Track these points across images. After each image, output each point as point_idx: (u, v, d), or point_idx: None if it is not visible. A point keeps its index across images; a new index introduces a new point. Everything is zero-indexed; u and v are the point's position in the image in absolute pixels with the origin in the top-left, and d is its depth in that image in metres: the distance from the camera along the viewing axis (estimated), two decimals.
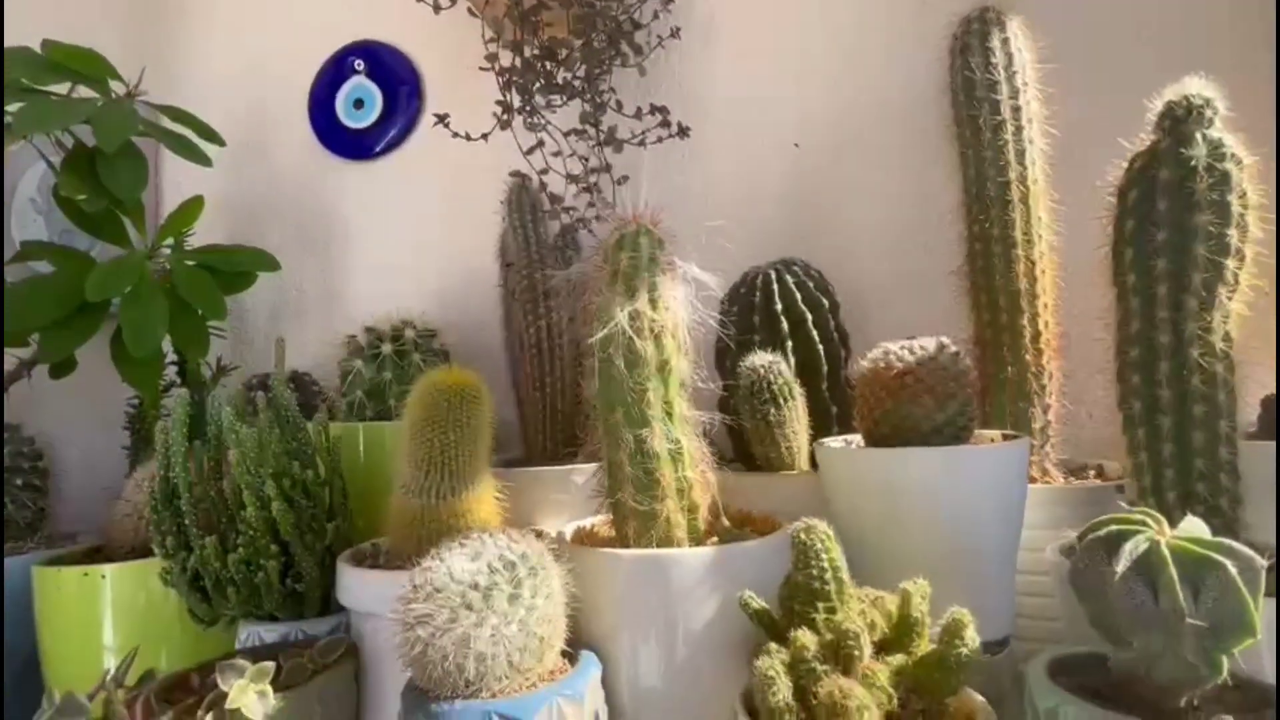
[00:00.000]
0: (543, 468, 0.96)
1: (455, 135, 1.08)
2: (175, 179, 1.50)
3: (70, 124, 1.00)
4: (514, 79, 1.05)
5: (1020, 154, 0.85)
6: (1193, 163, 0.59)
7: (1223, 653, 0.42)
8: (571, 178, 1.07)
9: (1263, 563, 0.42)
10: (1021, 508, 0.71)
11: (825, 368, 0.92)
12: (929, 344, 0.72)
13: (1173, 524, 0.46)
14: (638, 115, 1.08)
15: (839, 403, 0.92)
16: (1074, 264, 0.85)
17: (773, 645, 0.51)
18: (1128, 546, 0.44)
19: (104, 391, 1.24)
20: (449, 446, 0.71)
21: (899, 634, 0.52)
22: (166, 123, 1.12)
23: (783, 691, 0.47)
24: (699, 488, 0.66)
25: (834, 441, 0.80)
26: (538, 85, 1.06)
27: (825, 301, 0.94)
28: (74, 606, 0.87)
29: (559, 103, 1.08)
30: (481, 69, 1.06)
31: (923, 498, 0.67)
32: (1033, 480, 0.83)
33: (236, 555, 0.76)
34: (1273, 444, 0.67)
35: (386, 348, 1.07)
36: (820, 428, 0.89)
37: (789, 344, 0.90)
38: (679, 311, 0.63)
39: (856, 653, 0.49)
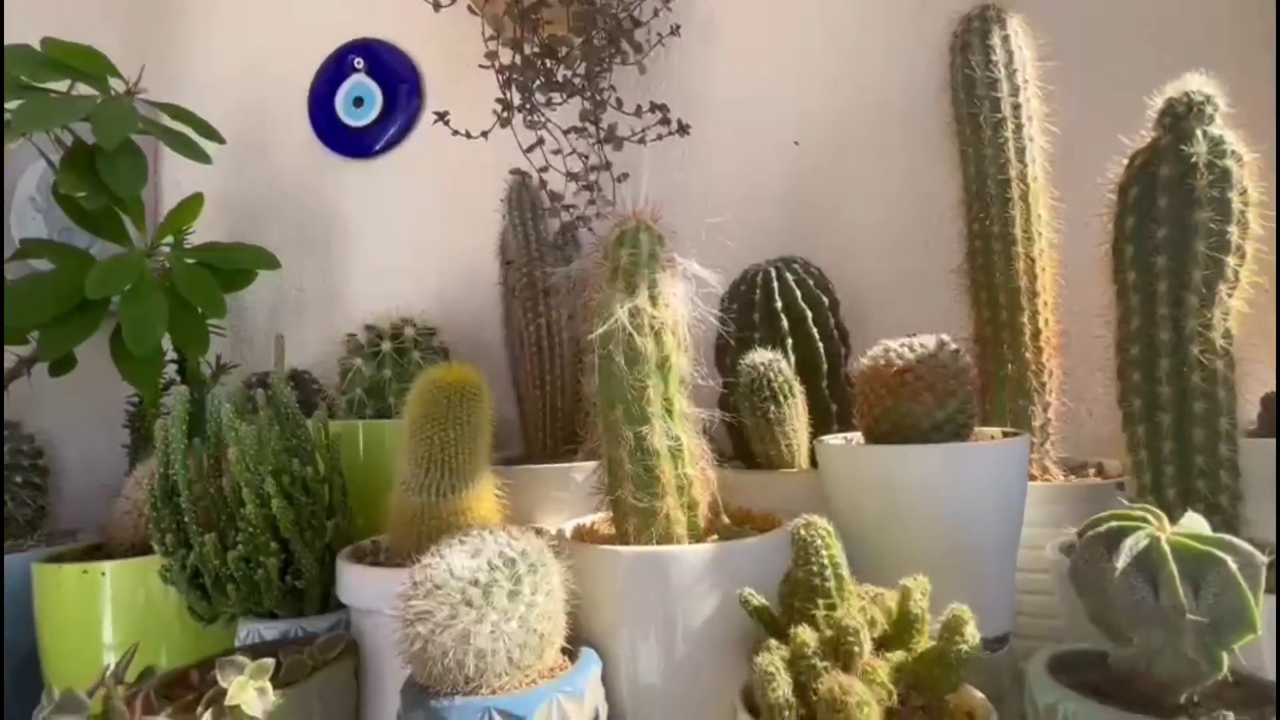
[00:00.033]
0: (543, 465, 0.96)
1: (455, 133, 1.08)
2: (175, 177, 1.50)
3: (70, 121, 1.00)
4: (514, 76, 1.05)
5: (1020, 151, 0.85)
6: (1193, 159, 0.59)
7: (1223, 649, 0.42)
8: (571, 175, 1.07)
9: (1263, 559, 0.42)
10: (1021, 505, 0.71)
11: (825, 366, 0.92)
12: (929, 341, 0.72)
13: (1173, 521, 0.46)
14: (637, 113, 1.08)
15: (839, 401, 0.92)
16: (1074, 262, 0.85)
17: (773, 642, 0.51)
18: (1128, 542, 0.44)
19: (104, 390, 1.24)
20: (449, 444, 0.71)
21: (899, 630, 0.52)
22: (166, 120, 1.12)
23: (783, 688, 0.47)
24: (699, 485, 0.66)
25: (834, 439, 0.80)
26: (538, 83, 1.06)
27: (825, 299, 0.94)
28: (74, 604, 0.87)
29: (559, 100, 1.08)
30: (481, 67, 1.06)
31: (923, 495, 0.67)
32: (1032, 478, 0.83)
33: (236, 552, 0.76)
34: (1273, 441, 0.67)
35: (386, 345, 1.07)
36: (820, 426, 0.89)
37: (789, 342, 0.90)
38: (679, 308, 0.63)
39: (856, 649, 0.49)
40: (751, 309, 0.93)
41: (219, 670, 0.59)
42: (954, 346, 0.72)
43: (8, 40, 1.04)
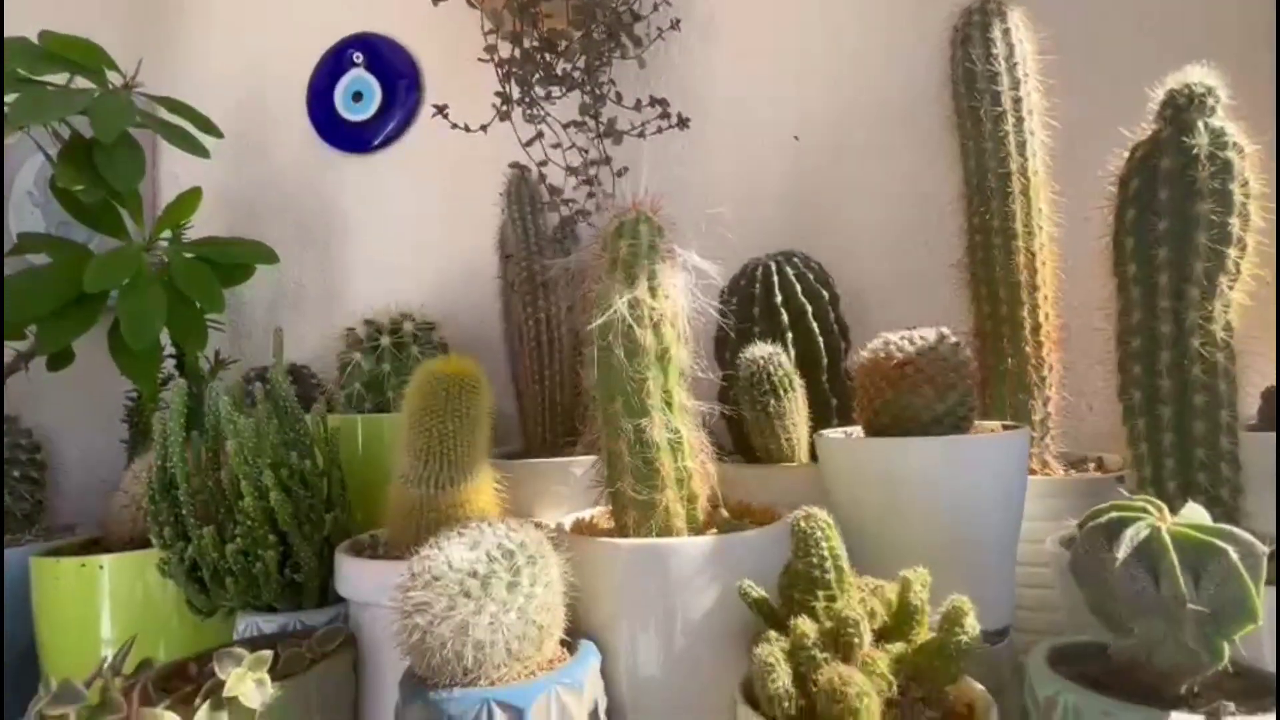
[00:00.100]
0: (542, 460, 0.96)
1: (454, 127, 1.07)
2: (173, 172, 1.49)
3: (67, 114, 0.99)
4: (513, 70, 1.05)
5: (1021, 145, 0.85)
6: (1194, 151, 0.59)
7: (1224, 639, 0.42)
8: (571, 170, 1.07)
9: (1264, 548, 0.42)
10: (1021, 498, 0.71)
11: (825, 360, 0.91)
12: (929, 334, 0.71)
13: (1173, 514, 0.46)
14: (637, 107, 1.08)
15: (839, 395, 0.92)
16: (1074, 256, 0.85)
17: (772, 633, 0.51)
18: (1129, 533, 0.44)
19: (102, 385, 1.24)
20: (447, 436, 0.71)
21: (899, 622, 0.52)
22: (164, 114, 1.12)
23: (782, 678, 0.47)
24: (698, 478, 0.66)
25: (834, 433, 0.80)
26: (537, 77, 1.05)
27: (825, 293, 0.94)
28: (72, 597, 0.87)
29: (558, 94, 1.07)
30: (480, 60, 1.06)
31: (923, 488, 0.67)
32: (1033, 472, 0.82)
33: (234, 545, 0.76)
34: (1273, 435, 0.66)
35: (385, 340, 1.07)
36: (820, 420, 0.89)
37: (789, 335, 0.90)
38: (679, 300, 0.63)
39: (856, 640, 0.49)
40: (751, 303, 0.93)
41: (217, 662, 0.59)
42: (954, 339, 0.72)
43: (6, 34, 1.04)
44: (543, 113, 1.06)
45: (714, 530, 0.67)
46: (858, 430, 0.79)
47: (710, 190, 1.19)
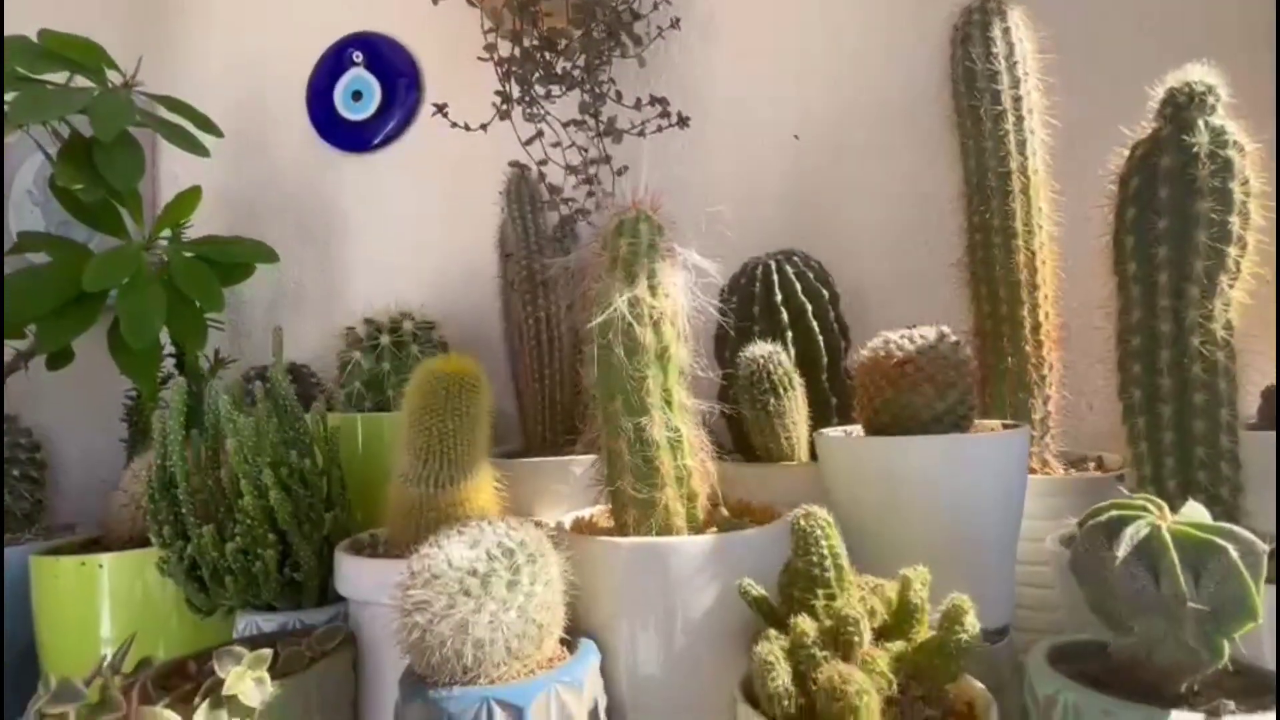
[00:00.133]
0: (542, 459, 0.96)
1: (454, 125, 1.07)
2: (172, 171, 1.49)
3: (67, 113, 0.99)
4: (513, 69, 1.05)
5: (1021, 144, 0.85)
6: (1195, 149, 0.59)
7: (1224, 637, 0.42)
8: (571, 168, 1.07)
9: (1264, 547, 0.42)
10: (1021, 496, 0.71)
11: (825, 359, 0.91)
12: (929, 333, 0.71)
13: (1173, 512, 0.46)
14: (637, 106, 1.08)
15: (839, 394, 0.92)
16: (1074, 255, 0.85)
17: (772, 631, 0.51)
18: (1129, 531, 0.44)
19: (102, 384, 1.24)
20: (447, 435, 0.71)
21: (899, 620, 0.52)
22: (163, 113, 1.11)
23: (782, 677, 0.47)
24: (698, 476, 0.66)
25: (834, 432, 0.80)
26: (537, 75, 1.05)
27: (825, 292, 0.94)
28: (71, 596, 0.87)
29: (558, 93, 1.07)
30: (480, 59, 1.06)
31: (923, 486, 0.67)
32: (1032, 471, 0.82)
33: (234, 544, 0.76)
34: (1273, 434, 0.66)
35: (385, 339, 1.06)
36: (820, 419, 0.88)
37: (789, 334, 0.90)
38: (679, 298, 0.63)
39: (856, 638, 0.49)
40: (751, 302, 0.93)
41: (216, 660, 0.59)
42: (954, 338, 0.72)
43: (6, 32, 1.04)
44: (543, 111, 1.06)
45: (714, 529, 0.67)
46: (857, 429, 0.79)
47: (710, 189, 1.19)
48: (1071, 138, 0.86)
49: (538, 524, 0.63)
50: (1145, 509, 0.45)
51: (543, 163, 1.06)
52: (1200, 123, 0.59)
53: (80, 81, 1.05)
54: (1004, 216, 0.84)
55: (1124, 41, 0.99)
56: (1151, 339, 0.62)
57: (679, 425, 0.64)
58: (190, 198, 1.22)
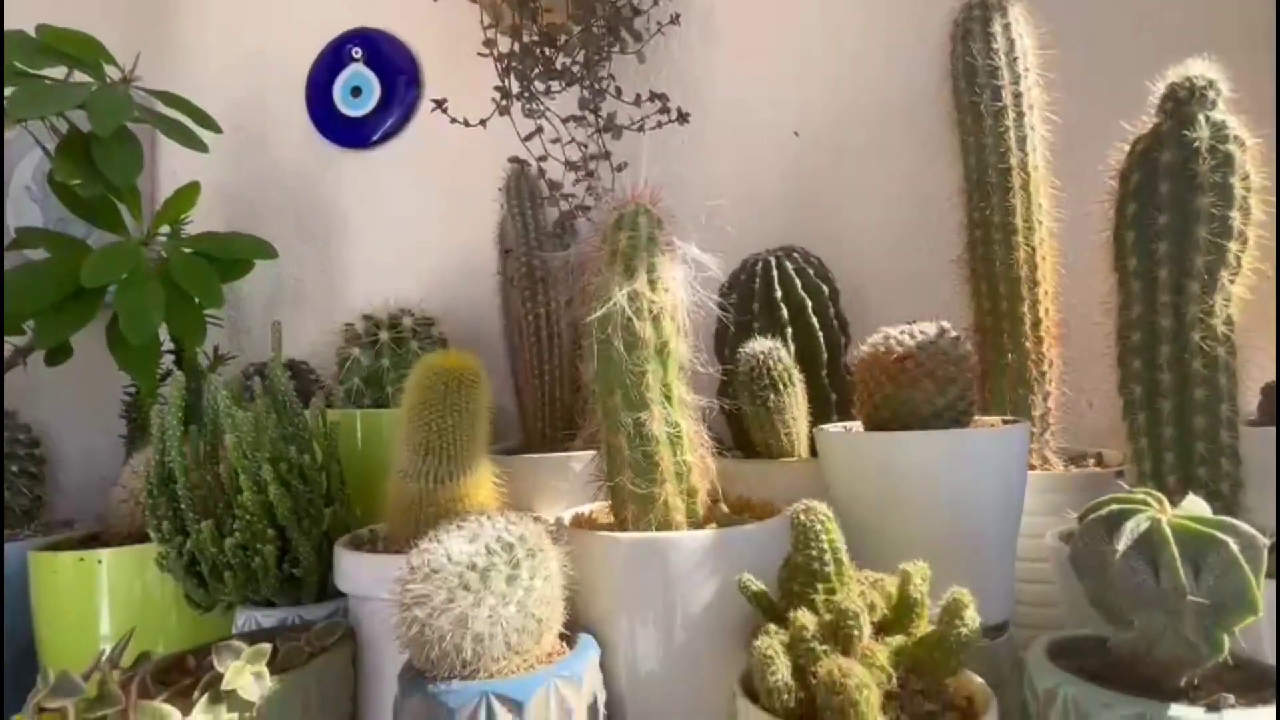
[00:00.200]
0: (541, 455, 0.95)
1: (453, 121, 1.07)
2: (171, 167, 1.49)
3: (65, 108, 0.99)
4: (512, 65, 1.05)
5: (1021, 140, 0.84)
6: (1195, 144, 0.59)
7: (1224, 631, 0.42)
8: (570, 164, 1.07)
9: (1265, 540, 0.42)
10: (1022, 492, 0.71)
11: (825, 355, 0.91)
12: (929, 329, 0.71)
13: (1173, 507, 0.46)
14: (637, 102, 1.07)
15: (838, 390, 0.92)
16: (1075, 251, 0.85)
17: (771, 626, 0.51)
18: (1129, 525, 0.44)
19: (100, 380, 1.24)
20: (446, 430, 0.71)
21: (898, 615, 0.52)
22: (162, 109, 1.11)
23: (781, 671, 0.47)
24: (697, 472, 0.66)
25: (833, 428, 0.80)
26: (536, 71, 1.05)
27: (825, 288, 0.93)
28: (70, 592, 0.87)
29: (558, 89, 1.07)
30: (480, 55, 1.05)
31: (923, 482, 0.67)
32: (1032, 467, 0.82)
33: (233, 540, 0.76)
34: (1273, 430, 0.66)
35: (384, 335, 1.06)
36: (820, 415, 0.88)
37: (789, 331, 0.90)
38: (678, 293, 0.63)
39: (856, 633, 0.48)
40: (751, 298, 0.93)
41: (215, 655, 0.59)
42: (954, 334, 0.71)
43: (5, 28, 1.04)
44: (542, 107, 1.06)
45: (713, 525, 0.67)
46: (857, 425, 0.79)
47: (710, 186, 1.19)
48: (1072, 134, 0.86)
49: (537, 519, 0.63)
50: (1145, 503, 0.45)
51: (542, 159, 1.06)
52: (1201, 117, 0.59)
53: (79, 77, 1.05)
54: (1004, 212, 0.84)
55: (1124, 37, 0.99)
56: (1152, 334, 0.62)
57: (679, 420, 0.64)
58: (189, 193, 1.22)
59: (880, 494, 0.69)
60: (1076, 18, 0.98)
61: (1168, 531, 0.43)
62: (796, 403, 0.85)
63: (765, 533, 0.63)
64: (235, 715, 0.57)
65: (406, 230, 1.39)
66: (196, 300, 1.10)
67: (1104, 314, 0.67)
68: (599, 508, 0.74)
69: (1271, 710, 0.42)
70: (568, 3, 1.03)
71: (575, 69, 1.06)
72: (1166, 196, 0.60)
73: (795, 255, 0.95)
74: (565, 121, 1.06)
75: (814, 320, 0.91)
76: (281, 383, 0.84)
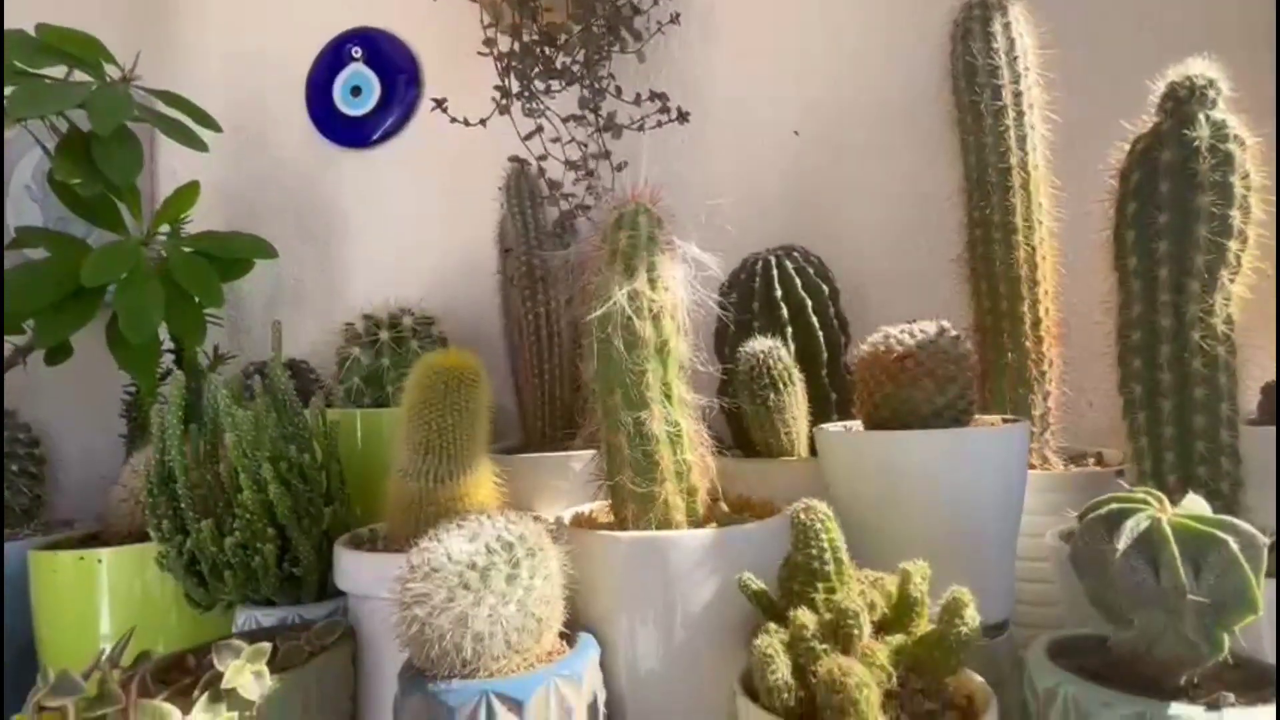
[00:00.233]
0: (541, 454, 0.95)
1: (453, 120, 1.07)
2: (171, 166, 1.49)
3: (65, 107, 0.99)
4: (512, 64, 1.05)
5: (1021, 139, 0.84)
6: (1195, 144, 0.59)
7: (1224, 629, 0.42)
8: (570, 164, 1.07)
9: (1265, 539, 0.42)
10: (1022, 491, 0.71)
11: (825, 354, 0.91)
12: (929, 328, 0.71)
13: (1173, 506, 0.46)
14: (637, 101, 1.07)
15: (838, 389, 0.92)
16: (1075, 251, 0.85)
17: (771, 625, 0.51)
18: (1129, 524, 0.44)
19: (100, 380, 1.24)
20: (446, 430, 0.71)
21: (898, 614, 0.52)
22: (162, 108, 1.11)
23: (781, 670, 0.47)
24: (698, 471, 0.66)
25: (833, 427, 0.80)
26: (536, 70, 1.05)
27: (825, 288, 0.93)
28: (70, 591, 0.87)
29: (558, 88, 1.07)
30: (480, 54, 1.05)
31: (923, 481, 0.67)
32: (1032, 467, 0.82)
33: (233, 539, 0.76)
34: (1273, 429, 0.66)
35: (384, 335, 1.06)
36: (819, 414, 0.88)
37: (789, 330, 0.90)
38: (678, 292, 0.63)
39: (856, 632, 0.48)
40: (751, 297, 0.93)
41: (215, 654, 0.59)
42: (954, 333, 0.71)
43: (5, 27, 1.04)
44: (542, 107, 1.06)
45: (713, 524, 0.67)
46: (857, 425, 0.79)
47: (710, 185, 1.19)
48: (1072, 133, 0.86)
49: (537, 519, 0.63)
50: (1145, 502, 0.45)
51: (542, 158, 1.06)
52: (1201, 117, 0.59)
53: (79, 76, 1.05)
54: (1004, 212, 0.84)
55: (1124, 36, 0.99)
56: (1152, 334, 0.62)
57: (678, 419, 0.64)
58: (189, 193, 1.22)
59: (880, 493, 0.69)
60: (1076, 17, 0.98)
61: (1168, 530, 0.43)
62: (796, 402, 0.85)
63: (765, 532, 0.63)
64: (235, 714, 0.57)
65: (406, 229, 1.39)
66: (196, 299, 1.10)
67: (1104, 313, 0.67)
68: (599, 507, 0.74)
69: (1271, 709, 0.42)
70: (568, 2, 1.03)
71: (575, 68, 1.06)
72: (1167, 195, 0.60)
73: (795, 254, 0.95)
74: (565, 121, 1.06)
75: (814, 319, 0.91)
76: (282, 382, 0.84)
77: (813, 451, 0.83)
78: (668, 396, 0.63)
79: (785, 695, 0.47)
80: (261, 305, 1.47)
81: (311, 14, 1.44)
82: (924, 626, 0.51)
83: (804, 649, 0.48)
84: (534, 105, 1.05)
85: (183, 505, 0.78)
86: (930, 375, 0.69)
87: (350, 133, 1.42)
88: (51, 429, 1.37)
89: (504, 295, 1.12)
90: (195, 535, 0.77)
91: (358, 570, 0.70)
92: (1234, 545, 0.41)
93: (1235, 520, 0.43)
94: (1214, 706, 0.43)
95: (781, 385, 0.84)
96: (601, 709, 0.60)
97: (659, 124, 1.07)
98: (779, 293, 0.91)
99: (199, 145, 1.11)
